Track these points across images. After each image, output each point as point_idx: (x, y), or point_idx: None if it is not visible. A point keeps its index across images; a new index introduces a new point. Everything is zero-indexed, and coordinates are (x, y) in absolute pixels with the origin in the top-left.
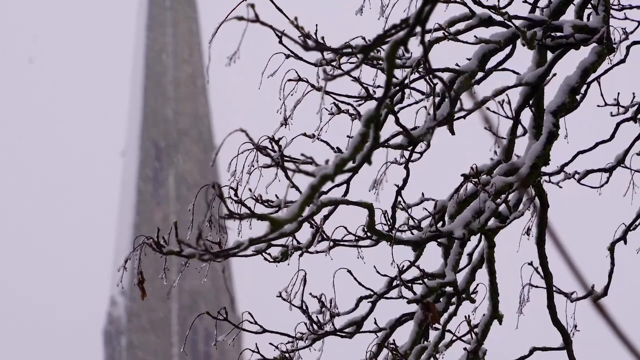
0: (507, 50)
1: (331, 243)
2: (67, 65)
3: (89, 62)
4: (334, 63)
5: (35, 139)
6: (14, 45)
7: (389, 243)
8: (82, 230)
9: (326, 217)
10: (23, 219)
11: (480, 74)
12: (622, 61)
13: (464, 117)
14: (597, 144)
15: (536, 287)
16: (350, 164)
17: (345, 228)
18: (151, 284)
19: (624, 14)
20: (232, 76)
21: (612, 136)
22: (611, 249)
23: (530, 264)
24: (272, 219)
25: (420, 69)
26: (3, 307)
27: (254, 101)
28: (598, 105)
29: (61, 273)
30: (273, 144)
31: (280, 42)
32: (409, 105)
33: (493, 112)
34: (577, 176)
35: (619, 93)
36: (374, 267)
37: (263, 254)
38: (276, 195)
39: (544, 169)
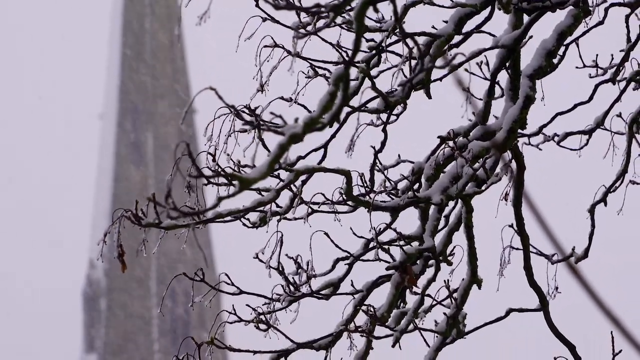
0: (485, 13)
1: (309, 209)
2: (43, 25)
3: (66, 23)
4: (310, 27)
5: (9, 99)
6: None
7: (367, 209)
8: (60, 193)
9: (304, 183)
10: None
11: (457, 38)
12: (601, 23)
13: (440, 79)
14: (575, 106)
15: (516, 249)
16: (320, 124)
17: (324, 195)
18: (129, 246)
19: None
20: (211, 41)
21: (591, 98)
22: (591, 211)
23: (511, 226)
24: (240, 177)
25: (396, 32)
26: None
27: (233, 66)
28: (576, 67)
29: (39, 237)
30: (249, 108)
31: (257, 5)
32: (388, 69)
33: (471, 73)
34: (556, 138)
35: (597, 55)
36: (351, 229)
37: (241, 219)
38: (253, 164)
39: (521, 131)
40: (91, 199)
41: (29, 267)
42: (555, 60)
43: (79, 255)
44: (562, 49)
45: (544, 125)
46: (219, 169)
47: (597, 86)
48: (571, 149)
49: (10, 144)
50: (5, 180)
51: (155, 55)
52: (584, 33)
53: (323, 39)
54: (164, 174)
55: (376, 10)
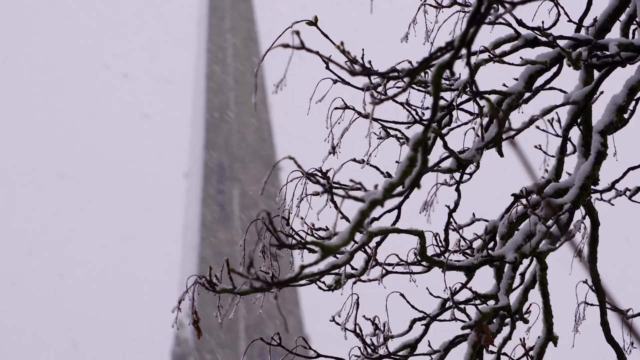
0: (554, 69)
1: (384, 270)
2: (128, 85)
3: (151, 83)
4: (380, 88)
5: (99, 161)
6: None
7: (441, 269)
8: (148, 253)
9: (378, 244)
10: (92, 238)
11: (527, 94)
12: None
13: (512, 137)
14: None
15: (591, 305)
16: (399, 189)
17: (397, 256)
18: (218, 308)
19: None
20: (294, 100)
21: None
22: None
23: (585, 282)
24: (322, 245)
25: (467, 91)
26: (74, 324)
27: (309, 127)
28: None
29: (129, 293)
30: (322, 172)
31: (327, 67)
32: (458, 126)
33: (543, 130)
34: (628, 193)
35: None
36: (427, 289)
37: (317, 282)
38: (326, 227)
39: (594, 187)
40: (179, 258)
41: (120, 325)
42: (626, 115)
43: (168, 314)
44: (633, 103)
45: (616, 181)
46: (301, 238)
47: None
48: None
49: (100, 205)
50: (99, 243)
51: (239, 115)
52: None
53: (395, 101)
54: (251, 233)
55: (452, 73)
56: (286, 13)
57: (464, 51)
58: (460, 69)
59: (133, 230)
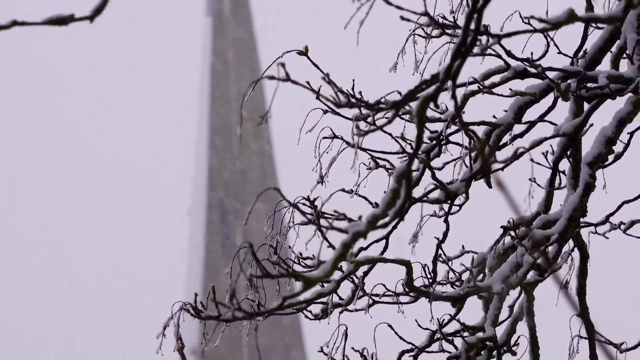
0: (545, 101)
1: (371, 300)
2: (131, 119)
3: (153, 119)
4: (369, 119)
5: (99, 197)
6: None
7: (428, 299)
8: (152, 289)
9: (365, 274)
10: (94, 278)
11: (520, 128)
12: None
13: (502, 169)
14: None
15: (585, 338)
16: (384, 220)
17: (385, 285)
18: (222, 336)
19: None
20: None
21: None
22: None
23: (579, 315)
24: (305, 277)
25: (456, 122)
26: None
27: (305, 153)
28: None
29: (130, 334)
30: (309, 202)
31: (318, 98)
32: (451, 162)
33: (534, 162)
34: (622, 227)
35: None
36: (415, 320)
37: (303, 311)
38: (313, 255)
39: (588, 219)
40: (182, 295)
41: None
42: (618, 149)
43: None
44: (626, 136)
45: (611, 214)
46: (288, 267)
47: None
48: (638, 237)
49: (101, 239)
50: (101, 283)
51: (242, 151)
52: None
53: (385, 132)
54: (253, 269)
55: (437, 106)
56: (284, 39)
57: (449, 83)
58: (449, 99)
59: (133, 269)
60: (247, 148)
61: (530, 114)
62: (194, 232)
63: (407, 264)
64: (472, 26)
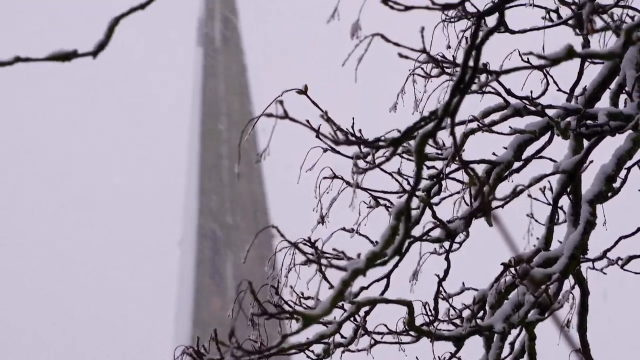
0: (544, 138)
1: (372, 340)
2: (121, 151)
3: (143, 149)
4: (369, 157)
5: (90, 228)
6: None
7: (429, 339)
8: (141, 320)
9: (367, 313)
10: (85, 309)
11: (517, 164)
12: None
13: (502, 206)
14: (639, 229)
15: None
16: (382, 258)
17: (386, 326)
18: None
19: None
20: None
21: None
22: None
23: (578, 350)
24: (304, 315)
25: (456, 160)
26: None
27: (303, 191)
28: (639, 190)
29: None
30: (310, 241)
31: (317, 136)
32: (449, 196)
33: (533, 198)
34: (620, 262)
35: None
36: (417, 358)
37: (305, 352)
38: (316, 298)
39: (586, 255)
40: (172, 326)
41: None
42: (616, 184)
43: None
44: (624, 172)
45: (608, 250)
46: (283, 307)
47: None
48: (635, 273)
49: (92, 270)
50: (89, 314)
51: (232, 182)
52: None
53: (383, 170)
54: (244, 300)
55: (436, 143)
56: (276, 70)
57: (447, 121)
58: (448, 136)
59: (123, 300)
60: (239, 181)
61: (530, 151)
62: (184, 263)
63: (408, 305)
64: (471, 63)
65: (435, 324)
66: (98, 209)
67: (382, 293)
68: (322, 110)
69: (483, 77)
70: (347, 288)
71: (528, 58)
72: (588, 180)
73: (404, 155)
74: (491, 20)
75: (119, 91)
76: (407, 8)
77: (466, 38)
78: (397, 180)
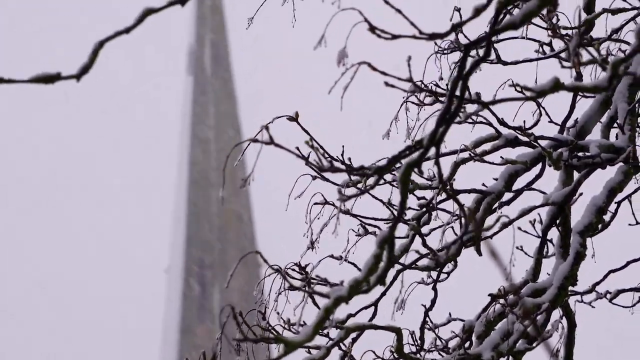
0: (536, 169)
1: None
2: (108, 177)
3: (132, 175)
4: (359, 185)
5: (77, 255)
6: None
7: None
8: (128, 349)
9: (354, 340)
10: (71, 335)
11: (508, 195)
12: None
13: (491, 237)
14: (628, 263)
15: None
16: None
17: (374, 352)
18: None
19: None
20: (279, 196)
21: None
22: None
23: None
24: (285, 340)
25: (446, 190)
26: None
27: (294, 222)
28: (629, 224)
29: None
30: (298, 268)
31: (307, 163)
32: (439, 227)
33: (522, 230)
34: (608, 296)
35: None
36: None
37: None
38: (301, 322)
39: (574, 288)
40: (158, 354)
41: None
42: (606, 217)
43: None
44: (614, 205)
45: (597, 283)
46: (266, 332)
47: None
48: (624, 307)
49: (76, 302)
50: (72, 344)
51: (220, 209)
52: (636, 190)
53: (373, 196)
54: (230, 328)
55: (421, 172)
56: (265, 98)
57: (433, 150)
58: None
59: (110, 327)
60: (226, 208)
61: (521, 182)
62: (171, 289)
63: (397, 331)
64: (458, 93)
65: (421, 354)
66: (82, 235)
67: (370, 321)
68: (310, 135)
69: (472, 107)
70: (329, 315)
71: (520, 89)
72: (578, 213)
73: (394, 183)
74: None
75: (106, 117)
76: (395, 37)
77: (453, 68)
78: (387, 206)
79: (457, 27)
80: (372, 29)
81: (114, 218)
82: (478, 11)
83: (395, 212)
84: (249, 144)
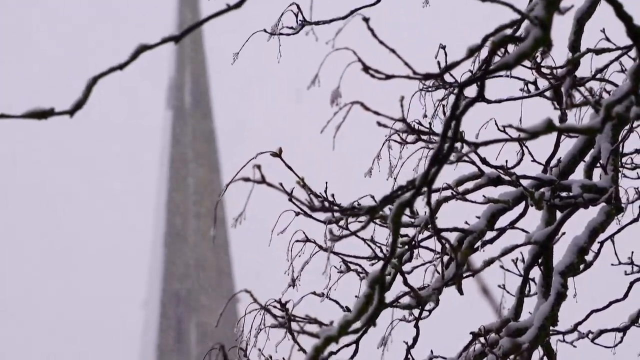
0: (518, 208)
1: None
2: (88, 209)
3: (110, 207)
4: (342, 222)
5: (53, 287)
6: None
7: None
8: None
9: None
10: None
11: (491, 234)
12: (635, 220)
13: (472, 275)
14: (610, 303)
15: None
16: (356, 325)
17: None
18: None
19: (637, 173)
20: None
21: (626, 295)
22: None
23: None
24: None
25: (428, 228)
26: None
27: (273, 259)
28: (612, 264)
29: None
30: (280, 305)
31: (291, 200)
32: (421, 265)
33: (505, 269)
34: (591, 336)
35: (632, 252)
36: None
37: None
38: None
39: (556, 327)
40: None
41: None
42: (589, 257)
43: None
44: (597, 245)
45: (579, 323)
46: None
47: (632, 283)
48: (606, 347)
49: (52, 330)
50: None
51: (198, 246)
52: (618, 230)
53: (359, 237)
54: None
55: (412, 212)
56: (246, 132)
57: (424, 190)
58: (423, 205)
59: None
60: (203, 242)
61: (503, 221)
62: (148, 323)
63: None
64: (450, 133)
65: None
66: (60, 267)
67: (351, 359)
68: (298, 176)
69: (462, 147)
70: (319, 355)
71: (505, 129)
72: (560, 252)
73: (377, 221)
74: (470, 91)
75: (88, 150)
76: (388, 77)
77: (444, 107)
78: (370, 247)
79: (450, 68)
80: (366, 68)
81: (93, 253)
82: (472, 52)
83: (379, 251)
84: (231, 181)
